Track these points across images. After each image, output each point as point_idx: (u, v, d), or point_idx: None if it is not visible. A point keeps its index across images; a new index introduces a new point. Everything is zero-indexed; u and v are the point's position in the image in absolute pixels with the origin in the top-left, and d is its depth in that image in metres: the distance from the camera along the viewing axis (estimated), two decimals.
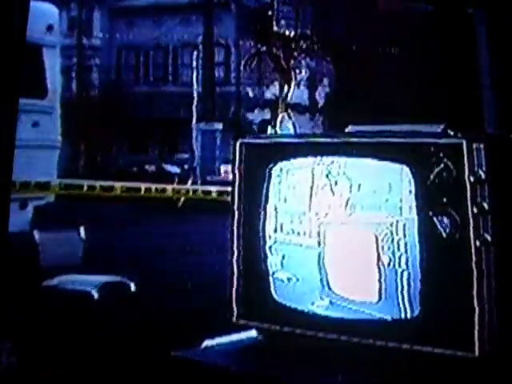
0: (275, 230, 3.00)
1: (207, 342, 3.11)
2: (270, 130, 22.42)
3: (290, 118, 23.32)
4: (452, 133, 2.71)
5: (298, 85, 26.04)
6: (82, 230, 9.98)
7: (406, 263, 2.72)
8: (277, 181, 2.99)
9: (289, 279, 2.97)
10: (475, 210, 2.62)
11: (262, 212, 3.01)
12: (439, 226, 2.66)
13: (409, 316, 2.73)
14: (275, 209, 3.00)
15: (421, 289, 2.70)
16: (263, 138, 3.24)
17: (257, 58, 29.04)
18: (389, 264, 2.75)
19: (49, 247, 9.41)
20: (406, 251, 2.72)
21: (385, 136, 2.81)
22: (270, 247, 3.01)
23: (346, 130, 2.96)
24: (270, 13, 22.95)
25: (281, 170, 2.99)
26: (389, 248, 2.74)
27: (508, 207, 2.68)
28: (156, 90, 40.11)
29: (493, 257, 2.63)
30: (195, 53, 34.28)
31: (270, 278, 3.01)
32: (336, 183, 2.86)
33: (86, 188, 10.91)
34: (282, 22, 23.43)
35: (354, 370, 2.75)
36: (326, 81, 29.41)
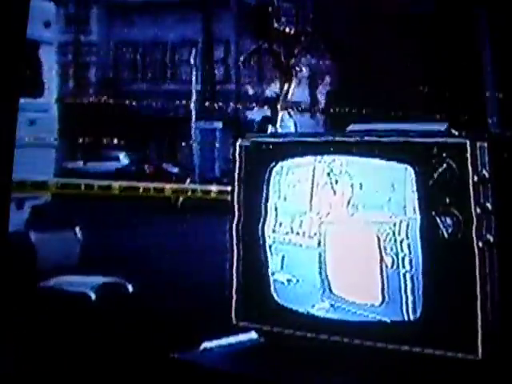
0: (274, 230, 2.97)
1: (205, 344, 3.08)
2: (270, 129, 22.40)
3: (290, 116, 23.33)
4: (456, 132, 2.69)
5: (298, 83, 26.02)
6: (77, 230, 9.93)
7: (410, 264, 2.69)
8: (277, 179, 2.96)
9: (289, 281, 2.94)
10: (478, 210, 2.59)
11: (263, 211, 2.98)
12: (442, 226, 2.63)
13: (411, 318, 2.70)
14: (275, 208, 2.97)
15: (424, 290, 2.67)
16: (264, 137, 3.21)
17: (257, 55, 29.04)
18: (392, 265, 2.72)
19: (45, 248, 9.37)
20: (409, 252, 2.69)
21: (388, 135, 2.79)
22: (270, 247, 2.97)
23: (348, 129, 2.93)
24: (270, 9, 22.96)
25: (281, 168, 2.96)
26: (391, 249, 2.71)
27: (511, 208, 2.65)
28: (154, 87, 40.08)
29: (495, 258, 2.60)
30: (194, 50, 34.26)
31: (271, 279, 2.98)
32: (337, 182, 2.83)
33: (83, 187, 10.87)
34: (283, 18, 23.47)
35: (354, 372, 2.72)
36: (327, 79, 29.38)
